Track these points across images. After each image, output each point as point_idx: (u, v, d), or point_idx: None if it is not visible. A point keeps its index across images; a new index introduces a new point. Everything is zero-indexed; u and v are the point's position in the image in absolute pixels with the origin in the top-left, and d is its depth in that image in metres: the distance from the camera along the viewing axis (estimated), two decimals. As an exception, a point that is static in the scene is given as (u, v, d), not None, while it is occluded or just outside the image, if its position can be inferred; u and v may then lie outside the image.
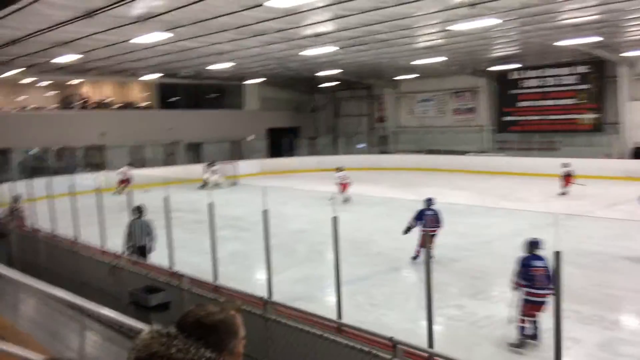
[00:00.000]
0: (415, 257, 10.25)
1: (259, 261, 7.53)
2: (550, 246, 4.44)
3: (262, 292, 6.04)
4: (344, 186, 18.05)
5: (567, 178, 18.59)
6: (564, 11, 13.97)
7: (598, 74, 23.97)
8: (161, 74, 26.14)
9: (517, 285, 6.42)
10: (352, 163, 28.74)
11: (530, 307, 6.28)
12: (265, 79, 29.90)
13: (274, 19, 13.68)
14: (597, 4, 13.17)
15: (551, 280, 5.75)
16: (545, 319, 5.76)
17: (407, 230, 10.28)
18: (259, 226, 6.63)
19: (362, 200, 17.19)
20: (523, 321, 6.36)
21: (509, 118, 27.34)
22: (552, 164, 22.95)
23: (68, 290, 4.98)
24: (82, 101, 26.71)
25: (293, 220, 14.85)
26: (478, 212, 15.53)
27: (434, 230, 9.68)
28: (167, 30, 14.05)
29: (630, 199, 17.37)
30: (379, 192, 18.94)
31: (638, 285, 8.84)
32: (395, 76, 30.03)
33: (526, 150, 26.06)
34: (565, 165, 18.80)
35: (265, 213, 6.37)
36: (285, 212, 15.01)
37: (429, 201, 10.46)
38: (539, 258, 6.30)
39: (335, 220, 5.65)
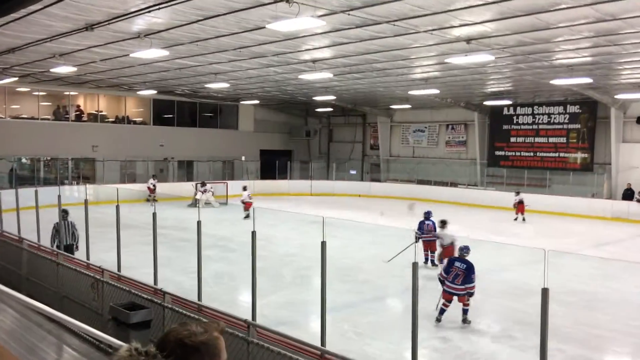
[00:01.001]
0: (425, 261, 12.42)
1: (245, 283, 7.44)
2: (538, 283, 4.42)
3: (246, 315, 5.96)
4: (247, 205, 19.36)
5: (520, 206, 20.52)
6: (558, 51, 14.23)
7: (589, 114, 24.34)
8: (157, 91, 26.21)
9: (441, 278, 8.56)
10: (343, 189, 28.87)
11: (445, 295, 8.43)
12: (260, 101, 30.06)
13: (273, 42, 13.81)
14: (590, 46, 13.42)
15: (467, 281, 8.23)
16: (530, 355, 5.71)
17: (417, 239, 11.62)
18: (246, 247, 6.57)
19: (351, 227, 17.14)
20: (446, 306, 8.44)
21: (500, 152, 27.59)
22: (542, 200, 23.11)
23: (49, 303, 4.87)
24: (76, 113, 26.64)
25: (281, 244, 14.75)
26: (466, 244, 15.53)
27: (431, 237, 12.15)
28: (166, 47, 14.12)
29: (617, 239, 17.52)
30: (368, 219, 18.91)
31: (623, 326, 8.82)
32: (390, 105, 30.32)
33: (516, 185, 26.23)
34: (517, 193, 20.87)
35: (253, 234, 6.32)
36: (274, 235, 14.93)
37: (428, 214, 12.87)
38: (462, 261, 8.42)
39: (323, 245, 5.62)
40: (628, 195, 22.60)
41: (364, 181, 31.47)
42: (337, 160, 33.58)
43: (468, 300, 8.34)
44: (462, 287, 8.24)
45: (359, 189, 29.21)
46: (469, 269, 8.27)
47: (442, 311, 8.38)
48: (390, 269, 12.04)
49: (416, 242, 11.04)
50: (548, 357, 5.93)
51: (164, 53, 14.58)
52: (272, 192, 27.26)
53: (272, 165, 30.13)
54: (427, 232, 12.03)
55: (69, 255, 9.15)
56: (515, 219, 19.93)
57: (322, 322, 5.89)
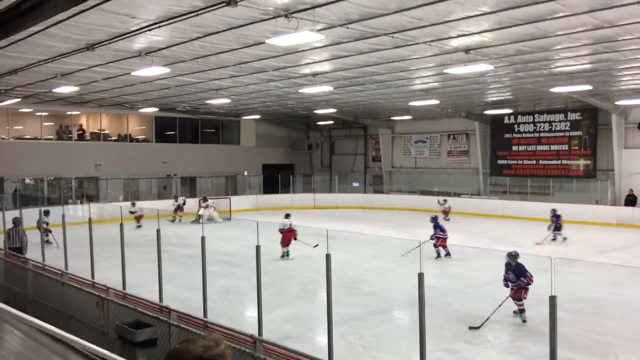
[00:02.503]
0: (438, 256, 14.89)
1: (250, 298, 7.41)
2: (545, 291, 4.40)
3: (252, 330, 5.93)
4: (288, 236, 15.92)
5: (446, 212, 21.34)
6: (557, 59, 14.28)
7: (590, 121, 24.35)
8: (158, 108, 26.34)
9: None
10: (346, 201, 28.85)
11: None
12: (261, 115, 30.19)
13: (273, 57, 13.90)
14: (589, 53, 13.46)
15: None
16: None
17: (432, 237, 14.84)
18: (250, 262, 6.56)
19: (355, 239, 17.12)
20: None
21: (502, 161, 27.57)
22: (546, 208, 23.04)
23: (55, 323, 4.86)
24: (79, 132, 26.78)
25: (286, 258, 14.72)
26: (471, 254, 15.47)
27: (445, 234, 14.96)
28: (167, 65, 14.22)
29: (621, 245, 17.44)
30: (372, 231, 18.88)
31: (630, 332, 8.75)
32: (391, 117, 30.39)
33: (519, 194, 26.19)
34: (444, 201, 21.77)
35: (257, 249, 6.31)
36: (278, 249, 14.89)
37: (435, 217, 15.69)
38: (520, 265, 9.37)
39: (328, 258, 5.60)
40: (630, 201, 22.55)
41: (367, 193, 31.45)
42: (340, 172, 33.60)
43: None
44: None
45: (362, 201, 29.18)
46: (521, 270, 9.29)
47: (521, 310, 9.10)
48: (396, 280, 11.99)
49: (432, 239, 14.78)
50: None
51: (165, 70, 14.68)
52: (276, 206, 27.24)
53: (275, 180, 30.17)
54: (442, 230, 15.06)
55: (72, 274, 9.16)
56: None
57: (329, 335, 5.85)
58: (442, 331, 8.40)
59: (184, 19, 9.83)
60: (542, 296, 4.67)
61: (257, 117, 30.67)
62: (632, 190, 22.60)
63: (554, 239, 17.81)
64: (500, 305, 8.74)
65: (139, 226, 20.59)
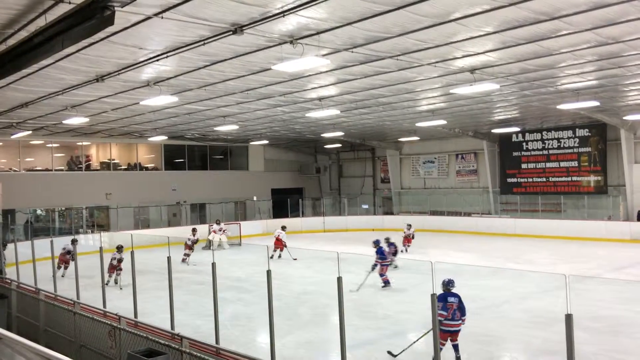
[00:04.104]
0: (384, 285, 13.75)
1: (262, 324, 7.36)
2: (561, 310, 4.34)
3: (264, 356, 5.88)
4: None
5: (407, 239, 19.96)
6: (563, 76, 14.31)
7: (599, 137, 24.26)
8: (167, 136, 26.59)
9: (440, 317, 7.45)
10: (356, 224, 28.73)
11: (445, 335, 7.62)
12: (269, 140, 30.37)
13: (279, 82, 14.04)
14: (594, 69, 13.49)
15: (462, 313, 7.78)
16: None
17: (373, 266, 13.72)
18: (262, 288, 6.53)
19: (366, 262, 16.99)
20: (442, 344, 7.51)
21: (512, 180, 27.45)
22: (558, 225, 22.84)
23: (67, 353, 4.85)
24: (88, 162, 27.05)
25: (297, 282, 14.64)
26: (485, 273, 15.31)
27: (385, 261, 14.01)
28: (175, 94, 14.41)
29: (637, 261, 17.18)
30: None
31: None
32: (398, 138, 30.47)
33: (531, 211, 25.99)
34: (409, 227, 20.33)
35: (268, 274, 6.29)
36: (289, 273, 14.83)
37: (377, 242, 14.52)
38: (453, 295, 7.85)
39: (339, 281, 5.57)
40: (643, 215, 22.31)
41: (377, 215, 31.35)
42: (349, 195, 33.59)
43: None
44: (460, 321, 7.82)
45: (372, 223, 29.04)
46: (460, 301, 7.87)
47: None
48: (409, 302, 11.87)
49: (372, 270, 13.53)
50: (577, 387, 5.76)
51: (173, 99, 14.87)
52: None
53: (284, 204, 30.18)
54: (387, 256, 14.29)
55: (84, 303, 9.17)
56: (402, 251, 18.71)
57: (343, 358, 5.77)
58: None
59: (191, 49, 9.99)
60: (558, 314, 4.60)
61: (265, 142, 30.86)
62: (644, 205, 22.38)
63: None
64: (424, 335, 7.92)
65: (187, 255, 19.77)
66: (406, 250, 19.43)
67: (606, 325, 9.83)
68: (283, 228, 19.89)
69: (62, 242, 16.12)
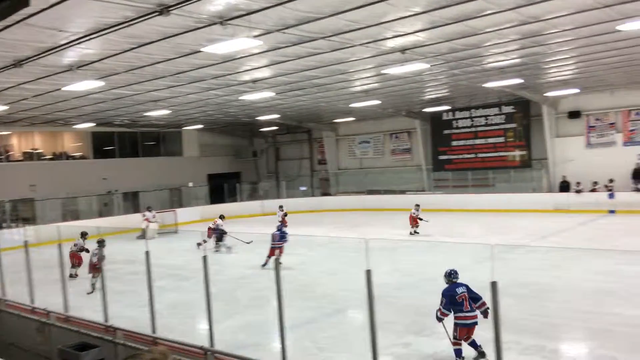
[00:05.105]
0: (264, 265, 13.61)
1: (201, 311, 7.27)
2: (487, 278, 4.55)
3: (203, 342, 5.82)
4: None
5: (415, 220, 18.97)
6: (488, 55, 14.81)
7: (523, 113, 25.41)
8: (95, 123, 25.52)
9: (443, 316, 6.96)
10: (295, 206, 28.81)
11: (463, 330, 6.88)
12: (203, 125, 29.78)
13: (211, 65, 13.75)
14: (517, 48, 14.04)
15: (476, 300, 6.85)
16: (489, 350, 5.81)
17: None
18: (200, 274, 6.43)
19: (306, 243, 17.14)
20: (460, 344, 6.90)
21: (444, 157, 28.33)
22: (488, 199, 23.83)
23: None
24: (9, 153, 25.57)
25: (235, 266, 14.56)
26: (421, 248, 15.81)
27: (280, 244, 13.66)
28: (100, 78, 13.81)
29: (559, 229, 18.26)
30: (322, 234, 18.96)
31: (571, 312, 9.15)
32: (334, 119, 30.67)
33: (462, 187, 26.98)
34: (417, 207, 19.21)
35: (204, 259, 6.21)
36: (227, 259, 14.71)
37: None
38: (460, 285, 7.03)
39: (277, 262, 5.58)
40: (564, 187, 23.68)
41: (315, 196, 31.57)
42: (286, 178, 33.59)
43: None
44: (476, 312, 6.86)
45: (310, 204, 29.24)
46: (469, 289, 6.99)
47: (459, 352, 6.92)
48: (349, 280, 12.07)
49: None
50: (505, 350, 6.08)
51: (99, 84, 14.26)
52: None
53: (221, 189, 29.78)
54: (276, 240, 13.85)
55: (10, 300, 8.74)
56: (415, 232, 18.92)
57: (282, 340, 5.82)
58: (395, 326, 8.52)
59: (115, 31, 9.58)
60: (484, 283, 4.82)
61: (200, 126, 30.25)
62: (565, 177, 23.73)
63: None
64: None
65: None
66: (415, 232, 18.82)
67: (532, 291, 10.40)
68: (221, 217, 18.76)
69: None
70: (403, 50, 13.15)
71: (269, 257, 13.56)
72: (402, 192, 28.29)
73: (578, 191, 22.86)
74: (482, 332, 7.71)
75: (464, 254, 13.59)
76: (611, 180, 22.16)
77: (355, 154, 32.56)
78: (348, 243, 13.42)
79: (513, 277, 10.99)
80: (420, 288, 11.38)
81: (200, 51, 11.62)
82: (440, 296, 7.07)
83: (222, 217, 18.62)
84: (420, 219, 18.80)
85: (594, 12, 10.60)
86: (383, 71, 15.75)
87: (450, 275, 7.13)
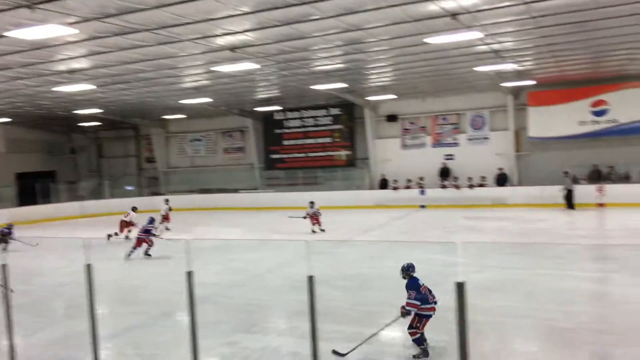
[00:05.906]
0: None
1: (2, 325, 6.49)
2: (317, 273, 4.74)
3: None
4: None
5: (314, 218, 18.30)
6: (315, 59, 15.47)
7: (348, 115, 27.08)
8: None
9: (414, 307, 6.78)
10: (120, 206, 27.08)
11: (428, 320, 6.87)
12: (11, 118, 26.59)
13: (18, 52, 12.38)
14: (342, 54, 14.88)
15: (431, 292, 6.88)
16: (304, 344, 6.05)
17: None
18: (12, 284, 5.72)
19: (129, 245, 16.23)
20: (421, 333, 6.89)
21: (275, 156, 28.96)
22: (316, 197, 24.90)
23: None
24: None
25: (49, 274, 13.25)
26: (251, 246, 15.95)
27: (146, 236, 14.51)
28: None
29: (379, 224, 19.79)
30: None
31: (386, 298, 9.94)
32: (163, 116, 29.53)
33: (292, 185, 27.85)
34: (312, 204, 18.45)
35: (4, 268, 5.54)
36: (39, 266, 13.35)
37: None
38: (417, 278, 6.96)
39: (89, 268, 5.20)
40: (383, 184, 25.77)
41: (143, 196, 30.05)
42: (111, 177, 31.50)
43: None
44: (434, 303, 6.92)
45: (137, 204, 27.70)
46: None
47: (423, 339, 6.92)
48: (178, 282, 11.70)
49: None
50: (328, 340, 6.40)
51: None
52: (35, 218, 24.28)
53: (32, 190, 26.79)
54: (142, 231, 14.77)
55: None
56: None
57: (95, 349, 5.43)
58: (223, 325, 8.47)
59: None
60: (317, 277, 4.98)
61: (7, 120, 26.94)
62: (383, 175, 25.80)
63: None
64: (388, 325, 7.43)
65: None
66: (321, 230, 17.89)
67: (355, 282, 11.10)
68: (134, 209, 18.26)
69: None
70: (233, 48, 13.15)
71: (135, 248, 14.39)
72: (235, 190, 28.30)
73: (395, 188, 24.99)
74: (308, 324, 8.03)
75: (291, 251, 14.07)
76: (422, 178, 24.63)
77: (187, 152, 31.76)
78: (177, 245, 13.03)
79: (339, 270, 11.65)
80: (249, 285, 11.50)
81: (4, 36, 10.37)
82: (404, 290, 6.94)
83: (134, 209, 18.13)
84: (304, 218, 18.13)
85: (405, 25, 11.67)
86: (213, 68, 15.59)
87: (409, 270, 6.99)
